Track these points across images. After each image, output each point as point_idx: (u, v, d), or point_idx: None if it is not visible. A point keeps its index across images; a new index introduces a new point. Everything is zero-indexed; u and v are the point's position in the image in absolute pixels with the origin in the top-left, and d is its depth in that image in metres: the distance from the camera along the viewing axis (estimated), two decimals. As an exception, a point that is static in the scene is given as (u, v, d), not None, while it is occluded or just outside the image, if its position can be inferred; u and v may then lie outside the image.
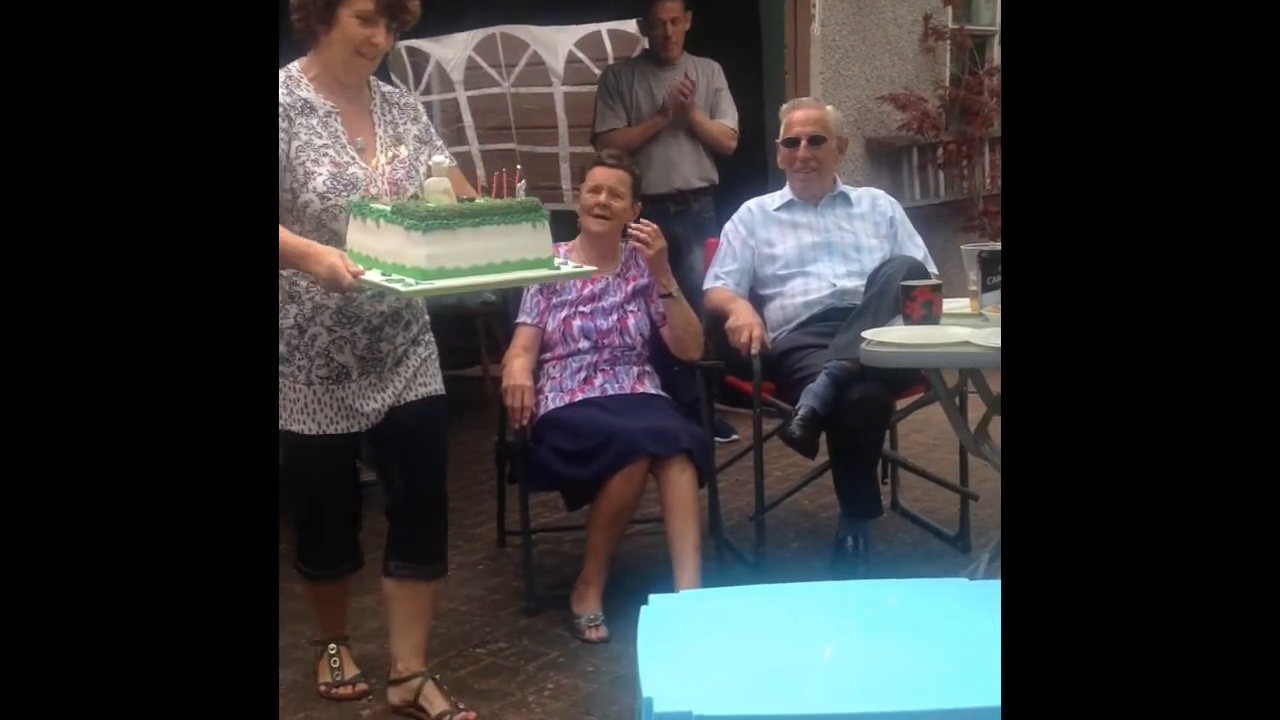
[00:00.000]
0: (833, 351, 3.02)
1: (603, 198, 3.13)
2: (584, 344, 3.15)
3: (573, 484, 2.98)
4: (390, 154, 2.30)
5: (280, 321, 2.29)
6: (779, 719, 1.39)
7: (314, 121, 2.29)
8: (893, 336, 2.53)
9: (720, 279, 3.43)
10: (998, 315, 2.59)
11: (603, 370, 3.15)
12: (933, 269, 3.30)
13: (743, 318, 3.24)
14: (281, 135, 2.24)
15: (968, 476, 3.51)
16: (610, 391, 3.11)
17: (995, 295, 2.69)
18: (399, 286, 2.02)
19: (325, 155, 2.27)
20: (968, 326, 2.56)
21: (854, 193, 3.52)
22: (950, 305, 2.78)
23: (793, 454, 3.20)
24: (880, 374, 2.79)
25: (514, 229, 2.11)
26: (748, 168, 4.52)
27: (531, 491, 3.10)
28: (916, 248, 3.43)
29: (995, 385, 2.85)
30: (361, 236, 2.13)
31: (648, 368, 3.22)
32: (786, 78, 5.09)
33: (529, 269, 2.14)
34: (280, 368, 2.31)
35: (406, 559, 2.49)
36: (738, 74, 4.57)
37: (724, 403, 3.76)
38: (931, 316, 2.65)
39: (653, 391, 3.17)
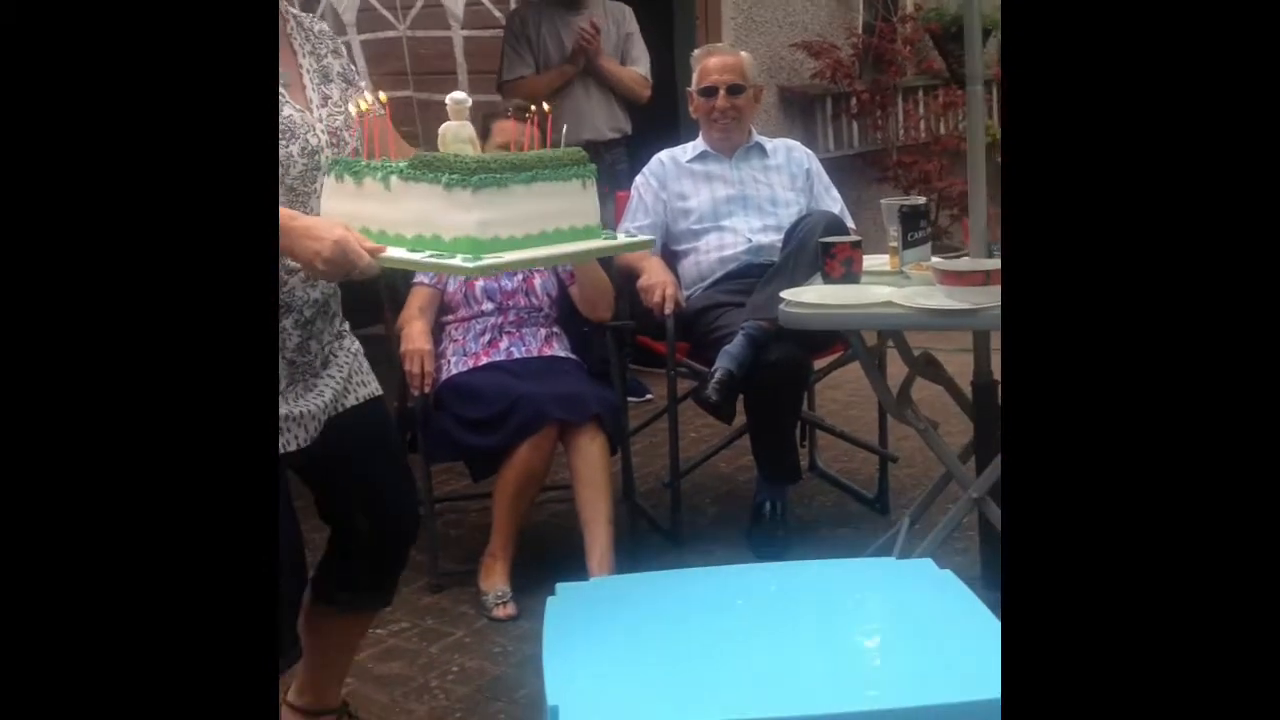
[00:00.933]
0: (749, 311, 2.91)
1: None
2: (488, 305, 2.99)
3: (477, 453, 2.83)
4: (321, 93, 1.80)
5: None
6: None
7: None
8: (812, 296, 2.41)
9: (631, 235, 3.27)
10: (920, 273, 2.49)
11: (508, 333, 2.99)
12: (850, 223, 3.20)
13: (655, 275, 3.10)
14: None
15: (886, 437, 3.43)
16: (516, 355, 2.96)
17: (917, 252, 2.59)
18: (459, 263, 1.48)
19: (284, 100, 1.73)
20: (889, 285, 2.45)
21: (769, 144, 3.39)
22: (869, 262, 2.67)
23: (706, 413, 3.09)
24: (798, 334, 2.68)
25: (564, 187, 1.62)
26: (659, 117, 4.37)
27: (434, 462, 2.94)
28: (834, 201, 3.33)
29: (916, 349, 2.76)
30: (352, 204, 1.58)
31: (556, 329, 3.07)
32: (698, 23, 4.93)
33: (580, 238, 1.65)
34: None
35: (361, 589, 1.96)
36: (647, 19, 4.39)
37: (637, 363, 3.64)
38: (852, 275, 2.54)
39: (561, 354, 3.02)
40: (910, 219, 2.59)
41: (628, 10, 4.29)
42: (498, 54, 4.33)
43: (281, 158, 1.67)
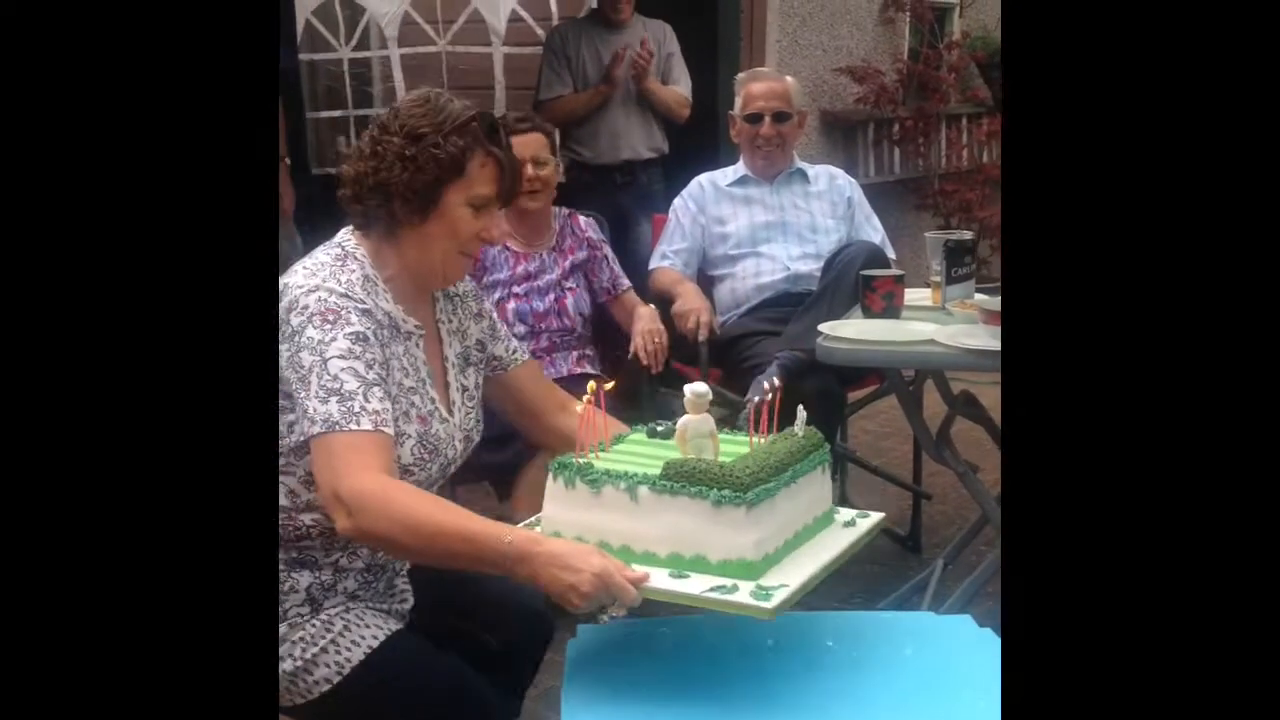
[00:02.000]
0: (785, 340, 2.84)
1: (528, 173, 2.84)
2: (520, 329, 2.93)
3: (493, 470, 2.78)
4: (460, 384, 1.68)
5: (282, 598, 1.54)
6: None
7: (399, 349, 1.58)
8: (851, 331, 2.34)
9: (667, 258, 3.23)
10: (963, 311, 2.42)
11: (539, 357, 2.94)
12: (891, 253, 3.13)
13: (690, 301, 3.05)
14: (375, 349, 1.51)
15: (920, 473, 3.36)
16: (549, 374, 2.90)
17: (960, 288, 2.52)
18: (749, 600, 1.28)
19: (413, 406, 1.57)
20: (931, 322, 2.38)
21: (811, 170, 3.33)
22: (911, 296, 2.60)
23: (740, 444, 3.02)
24: (833, 365, 2.61)
25: (811, 478, 1.45)
26: (699, 139, 4.32)
27: (457, 483, 2.89)
28: (874, 230, 3.26)
29: (955, 385, 2.69)
30: (586, 514, 1.39)
31: (589, 350, 3.01)
32: (742, 45, 4.88)
33: (822, 526, 1.49)
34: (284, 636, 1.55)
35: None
36: (691, 39, 4.34)
37: (669, 387, 3.58)
38: (892, 309, 2.47)
39: (592, 372, 2.96)
40: (955, 254, 2.52)
41: (669, 30, 4.24)
42: (537, 71, 4.30)
43: (423, 479, 1.58)
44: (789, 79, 3.33)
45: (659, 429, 1.56)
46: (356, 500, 1.38)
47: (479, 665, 1.64)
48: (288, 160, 3.90)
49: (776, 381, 1.49)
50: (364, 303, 1.52)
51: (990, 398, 2.88)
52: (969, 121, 6.35)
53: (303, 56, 5.13)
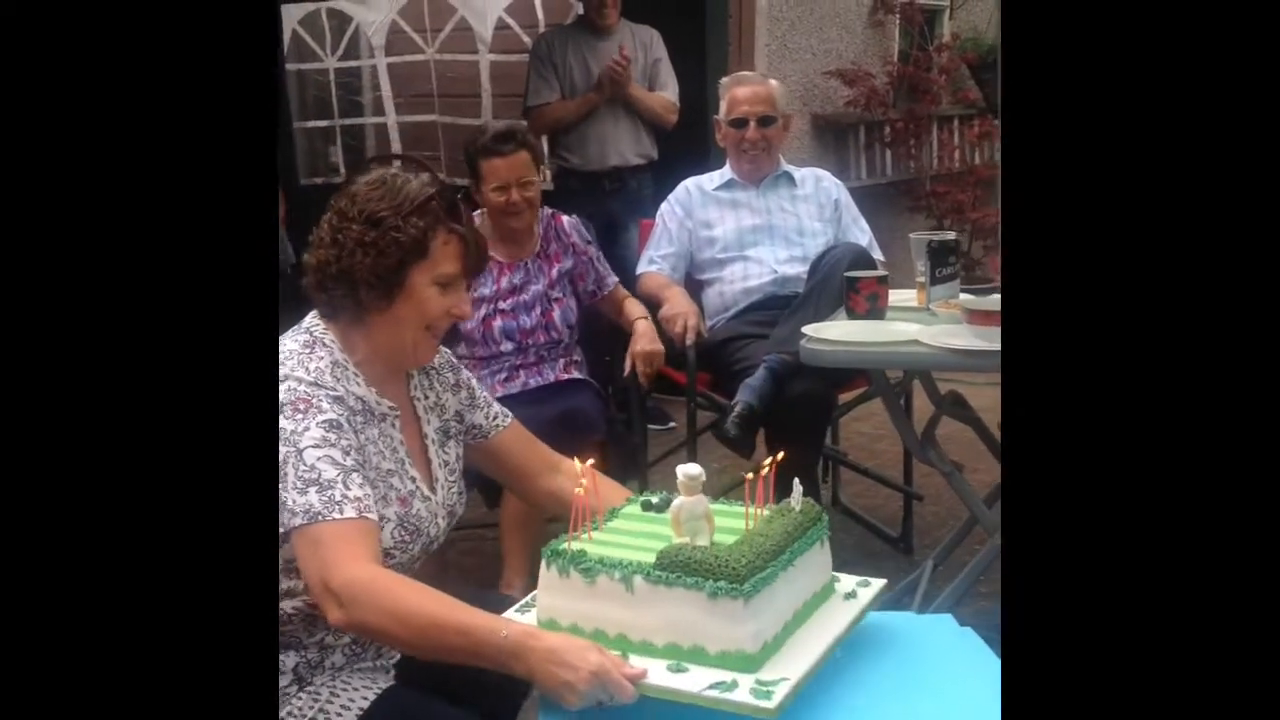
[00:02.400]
0: (772, 344, 2.84)
1: (513, 196, 2.82)
2: (506, 345, 2.91)
3: (480, 476, 2.77)
4: (441, 458, 1.67)
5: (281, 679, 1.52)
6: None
7: (375, 433, 1.57)
8: (834, 333, 2.34)
9: (655, 263, 3.23)
10: (947, 311, 2.42)
11: (526, 369, 2.93)
12: (878, 255, 3.14)
13: (677, 305, 3.05)
14: (349, 436, 1.49)
15: (912, 474, 3.35)
16: (533, 385, 2.91)
17: (945, 288, 2.52)
18: (759, 703, 1.24)
19: (392, 489, 1.56)
20: (915, 323, 2.38)
21: (798, 173, 3.34)
22: (896, 297, 2.60)
23: (728, 444, 3.03)
24: (822, 368, 2.61)
25: (809, 557, 1.43)
26: (688, 144, 4.31)
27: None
28: (861, 233, 3.27)
29: (943, 385, 2.69)
30: (581, 603, 1.36)
31: (575, 356, 3.01)
32: (730, 49, 4.87)
33: (821, 600, 1.46)
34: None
35: None
36: (679, 44, 4.34)
37: (660, 392, 3.58)
38: (876, 310, 2.47)
39: (580, 376, 2.96)
40: (939, 254, 2.52)
41: (656, 35, 4.25)
42: (524, 79, 4.30)
43: (405, 560, 1.56)
44: (773, 82, 3.33)
45: (654, 501, 1.53)
46: (348, 592, 1.35)
47: (468, 700, 1.59)
48: (275, 171, 3.91)
49: (780, 456, 1.46)
50: (335, 390, 1.50)
51: (979, 398, 2.88)
52: (960, 123, 6.35)
53: (290, 66, 5.15)
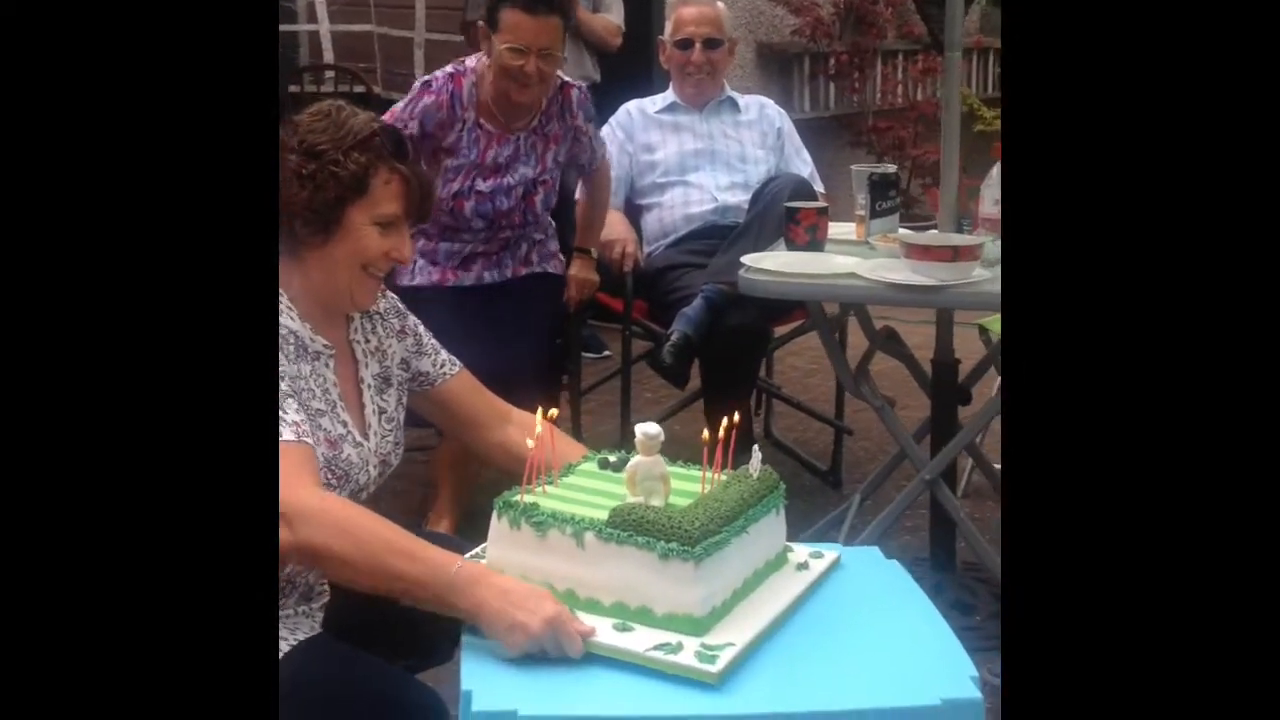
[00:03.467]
0: (710, 273, 2.82)
1: (530, 65, 2.47)
2: (478, 223, 2.65)
3: None
4: (377, 406, 1.60)
5: None
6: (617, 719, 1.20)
7: (306, 369, 1.49)
8: (773, 263, 2.32)
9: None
10: (886, 245, 2.40)
11: (486, 258, 2.73)
12: (819, 187, 3.11)
13: (616, 231, 3.01)
14: (282, 360, 1.44)
15: (843, 409, 3.37)
16: (487, 279, 2.72)
17: (884, 222, 2.50)
18: (695, 664, 1.22)
19: (320, 429, 1.48)
20: (854, 256, 2.37)
21: (742, 99, 3.29)
22: (836, 230, 2.58)
23: (662, 373, 3.01)
24: (759, 300, 2.58)
25: (765, 524, 1.40)
26: (632, 68, 4.23)
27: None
28: (804, 164, 3.24)
29: (878, 321, 2.69)
30: (531, 557, 1.33)
31: (540, 236, 2.81)
32: (677, -29, 4.76)
33: (774, 569, 1.44)
34: None
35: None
36: (623, -36, 4.23)
37: (596, 319, 3.54)
38: (816, 242, 2.45)
39: (537, 270, 2.78)
40: (879, 188, 2.50)
41: (603, -46, 4.13)
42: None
43: None
44: (720, 4, 3.27)
45: (611, 460, 1.49)
46: (295, 512, 1.29)
47: (395, 656, 1.54)
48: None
49: (738, 418, 1.41)
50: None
51: (913, 335, 2.88)
52: (904, 58, 6.31)
53: None
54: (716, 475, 1.41)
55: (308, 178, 1.46)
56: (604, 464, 1.50)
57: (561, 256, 2.92)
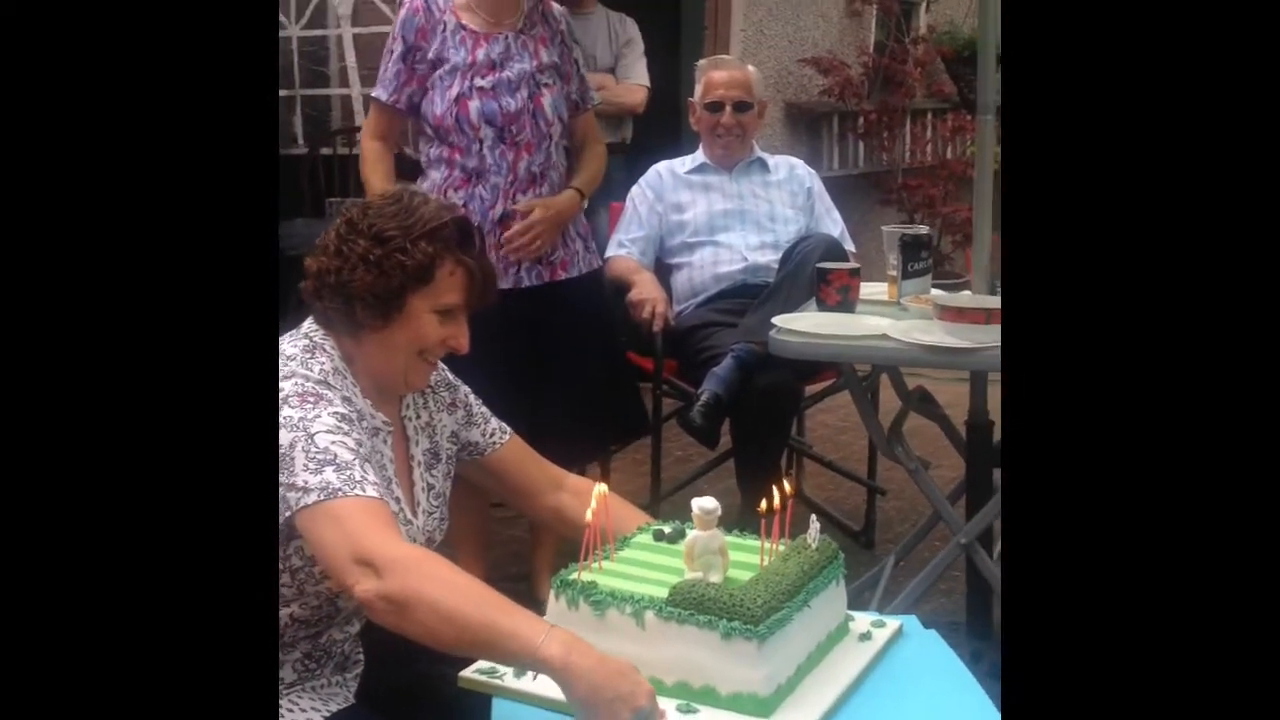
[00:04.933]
0: (741, 333, 2.81)
1: None
2: (486, 132, 2.46)
3: None
4: (426, 482, 1.60)
5: None
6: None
7: (368, 447, 1.49)
8: (804, 324, 2.31)
9: (624, 246, 3.18)
10: (919, 306, 2.39)
11: (517, 187, 2.50)
12: (850, 246, 3.11)
13: (646, 290, 3.01)
14: (357, 433, 1.43)
15: (876, 468, 3.33)
16: (526, 282, 2.52)
17: (916, 283, 2.49)
18: None
19: None
20: (886, 317, 2.35)
21: (771, 159, 3.30)
22: (867, 290, 2.57)
23: (691, 432, 3.00)
24: (790, 359, 2.57)
25: (826, 595, 1.39)
26: (661, 128, 4.27)
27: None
28: (834, 223, 3.23)
29: (910, 381, 2.67)
30: (591, 637, 1.28)
31: (553, 173, 2.57)
32: (706, 33, 4.83)
33: (835, 641, 1.42)
34: None
35: None
36: (655, 27, 4.29)
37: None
38: (847, 303, 2.44)
39: (574, 275, 2.61)
40: (911, 248, 2.49)
41: (629, 20, 4.18)
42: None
43: None
44: (751, 68, 3.29)
45: (666, 531, 1.49)
46: (388, 560, 1.24)
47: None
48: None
49: (789, 487, 1.40)
50: (343, 391, 1.45)
51: (945, 394, 2.86)
52: (934, 117, 6.35)
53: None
54: (774, 546, 1.39)
55: (374, 263, 1.47)
56: (659, 535, 1.48)
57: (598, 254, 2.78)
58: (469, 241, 1.53)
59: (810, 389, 3.12)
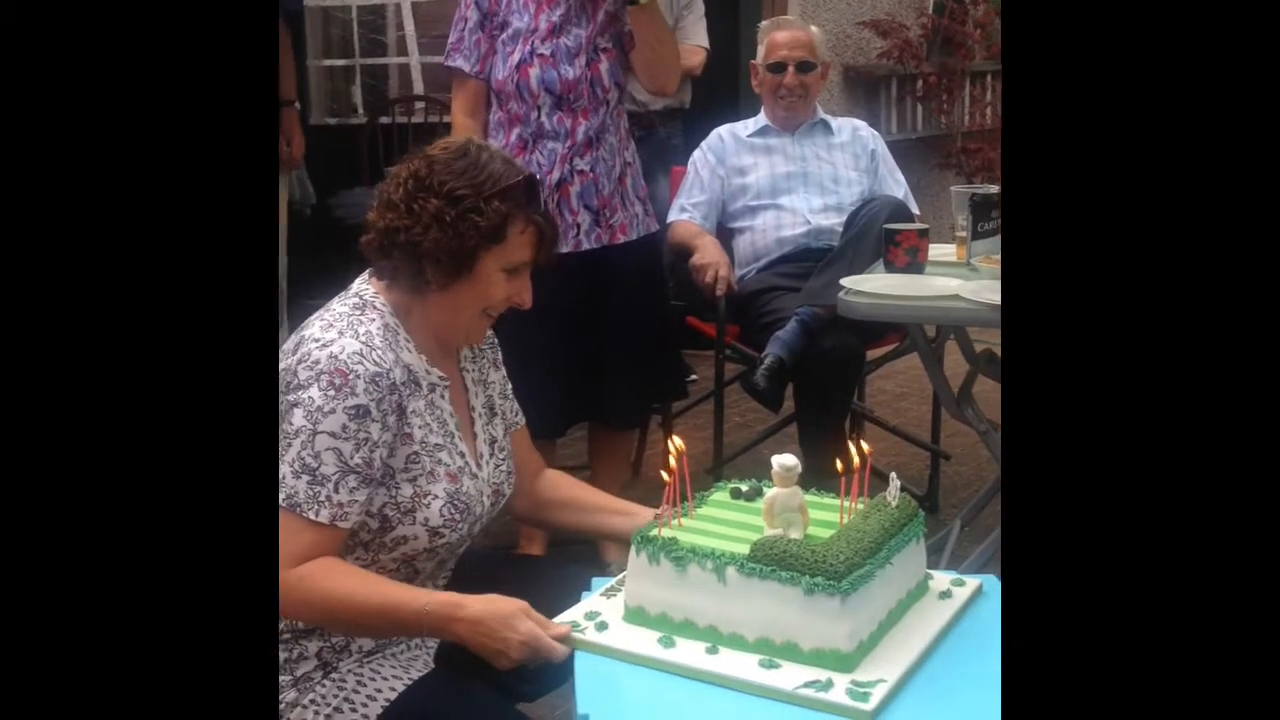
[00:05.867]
0: (805, 296, 2.79)
1: None
2: (545, 100, 2.48)
3: None
4: (489, 435, 1.61)
5: (292, 665, 1.47)
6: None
7: (421, 404, 1.50)
8: (874, 286, 2.29)
9: (686, 211, 3.17)
10: (989, 266, 2.36)
11: (580, 174, 2.53)
12: (914, 208, 3.07)
13: (709, 255, 3.00)
14: (374, 426, 1.42)
15: (939, 432, 3.31)
16: (585, 245, 2.54)
17: (986, 244, 2.46)
18: (856, 704, 1.19)
19: (440, 464, 1.50)
20: (955, 278, 2.33)
21: (834, 121, 3.26)
22: (934, 251, 2.54)
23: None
24: (853, 323, 2.55)
25: (907, 553, 1.37)
26: (719, 91, 4.24)
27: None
28: (898, 185, 3.20)
29: (977, 344, 2.64)
30: (671, 593, 1.31)
31: (629, 158, 2.65)
32: (764, -4, 4.78)
33: (916, 598, 1.41)
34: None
35: None
36: (713, -11, 4.24)
37: (684, 346, 3.53)
38: (916, 264, 2.42)
39: (634, 238, 2.62)
40: (981, 208, 2.46)
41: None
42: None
43: (454, 540, 1.51)
44: (813, 28, 3.25)
45: (743, 489, 1.48)
46: (283, 588, 1.32)
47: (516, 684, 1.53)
48: (297, 105, 3.84)
49: (865, 447, 1.39)
50: (380, 361, 1.43)
51: (1013, 357, 2.82)
52: (993, 79, 6.23)
53: (310, 3, 5.06)
54: (854, 505, 1.38)
55: (448, 224, 1.46)
56: (736, 493, 1.48)
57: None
58: (537, 199, 1.53)
59: (871, 354, 3.10)
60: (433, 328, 1.54)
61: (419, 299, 1.52)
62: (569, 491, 1.73)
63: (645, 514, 1.58)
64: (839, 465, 1.37)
